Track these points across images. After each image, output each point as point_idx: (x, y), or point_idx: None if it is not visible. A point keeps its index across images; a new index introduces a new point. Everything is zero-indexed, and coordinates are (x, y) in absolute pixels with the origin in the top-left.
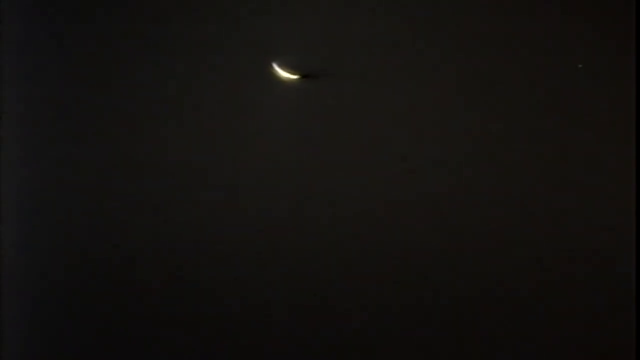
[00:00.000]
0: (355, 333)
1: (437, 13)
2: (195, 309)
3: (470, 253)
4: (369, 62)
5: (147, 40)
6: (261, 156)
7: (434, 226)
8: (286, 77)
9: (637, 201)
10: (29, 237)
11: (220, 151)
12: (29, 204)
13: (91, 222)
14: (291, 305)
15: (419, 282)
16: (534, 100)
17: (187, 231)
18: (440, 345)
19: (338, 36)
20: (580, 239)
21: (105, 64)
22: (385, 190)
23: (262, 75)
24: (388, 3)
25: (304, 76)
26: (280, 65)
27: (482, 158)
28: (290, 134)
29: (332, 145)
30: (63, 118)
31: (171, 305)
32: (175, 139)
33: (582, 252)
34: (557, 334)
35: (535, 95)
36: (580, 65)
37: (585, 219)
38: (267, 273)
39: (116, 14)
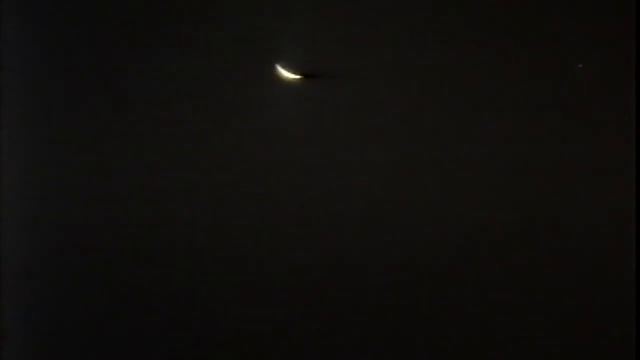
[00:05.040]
0: (355, 334)
1: (438, 13)
2: (196, 310)
3: (469, 253)
4: (372, 62)
5: (148, 40)
6: (263, 156)
7: (435, 227)
8: (289, 77)
9: (637, 201)
10: (29, 237)
11: (223, 151)
12: (28, 204)
13: (91, 222)
14: (292, 305)
15: (419, 282)
16: (534, 100)
17: (189, 231)
18: (439, 345)
19: (341, 36)
20: (580, 239)
21: (106, 64)
22: (388, 190)
23: (266, 76)
24: (391, 3)
25: (306, 76)
26: (283, 66)
27: (481, 158)
28: (293, 133)
29: (335, 145)
30: (63, 118)
31: (172, 306)
32: (177, 139)
33: (582, 252)
34: (557, 334)
35: (534, 95)
36: (580, 65)
37: (585, 219)
38: (268, 274)
39: (118, 13)
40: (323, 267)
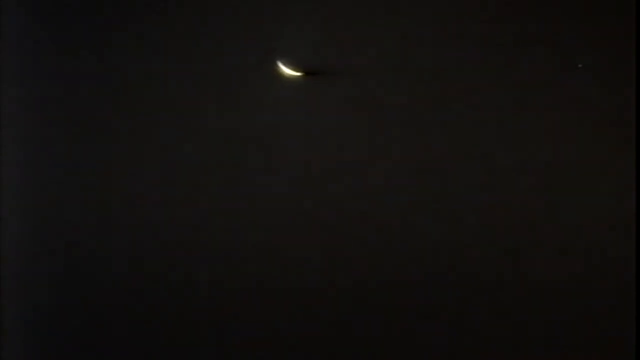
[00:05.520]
0: (359, 334)
1: (439, 12)
2: (197, 310)
3: (468, 253)
4: (373, 59)
5: (149, 39)
6: (265, 154)
7: (434, 226)
8: (290, 75)
9: (637, 201)
10: (29, 237)
11: (224, 149)
12: (28, 203)
13: (91, 222)
14: (292, 305)
15: (419, 283)
16: (534, 100)
17: (190, 231)
18: (439, 345)
19: (342, 34)
20: (580, 239)
21: (106, 64)
22: (388, 188)
23: (267, 73)
24: (392, 1)
25: (307, 74)
26: (285, 63)
27: (481, 158)
28: (293, 131)
29: (336, 142)
30: (63, 118)
31: (172, 306)
32: (178, 137)
33: (582, 253)
34: (557, 334)
35: (534, 96)
36: (580, 65)
37: (585, 219)
38: (269, 273)
39: (118, 12)
40: (324, 266)
